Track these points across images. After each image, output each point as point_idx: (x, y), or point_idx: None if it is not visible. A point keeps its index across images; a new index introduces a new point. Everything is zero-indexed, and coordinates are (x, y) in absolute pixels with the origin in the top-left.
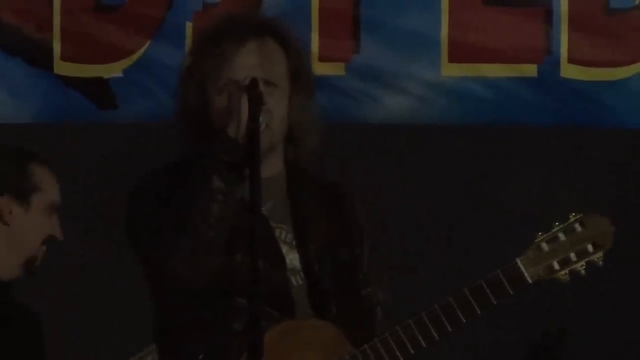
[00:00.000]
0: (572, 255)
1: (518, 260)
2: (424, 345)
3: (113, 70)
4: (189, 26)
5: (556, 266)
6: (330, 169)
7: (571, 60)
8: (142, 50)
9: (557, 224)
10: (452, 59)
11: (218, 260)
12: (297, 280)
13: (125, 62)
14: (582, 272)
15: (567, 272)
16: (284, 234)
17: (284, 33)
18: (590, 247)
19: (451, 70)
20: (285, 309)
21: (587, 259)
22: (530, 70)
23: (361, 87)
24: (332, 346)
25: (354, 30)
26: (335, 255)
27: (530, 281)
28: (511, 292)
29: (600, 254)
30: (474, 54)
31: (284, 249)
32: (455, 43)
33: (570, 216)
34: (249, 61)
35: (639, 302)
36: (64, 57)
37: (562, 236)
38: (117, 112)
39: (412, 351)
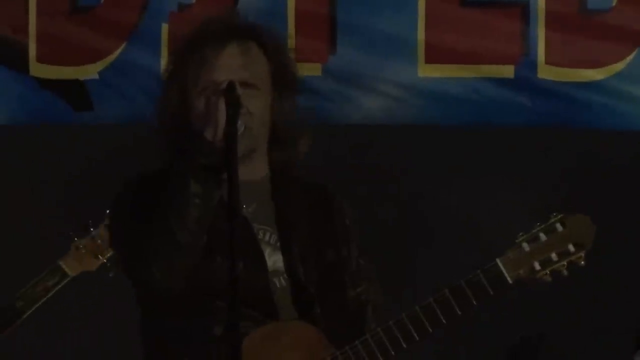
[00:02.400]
0: (554, 256)
1: (498, 261)
2: (404, 346)
3: (89, 72)
4: (164, 27)
5: (537, 266)
6: (306, 170)
7: (548, 61)
8: (118, 51)
9: (538, 224)
10: (428, 60)
11: (195, 263)
12: (280, 282)
13: (101, 64)
14: (564, 272)
15: (549, 272)
16: (267, 236)
17: (264, 35)
18: (571, 247)
19: (428, 71)
20: (267, 311)
21: (568, 259)
22: (507, 71)
23: (338, 88)
24: (314, 348)
25: (330, 31)
26: (321, 256)
27: (510, 281)
28: (491, 293)
29: (581, 253)
30: (451, 55)
31: (268, 250)
32: (432, 44)
33: (552, 216)
34: (229, 63)
35: (619, 306)
36: (39, 59)
37: (543, 236)
38: (93, 113)
39: (392, 352)
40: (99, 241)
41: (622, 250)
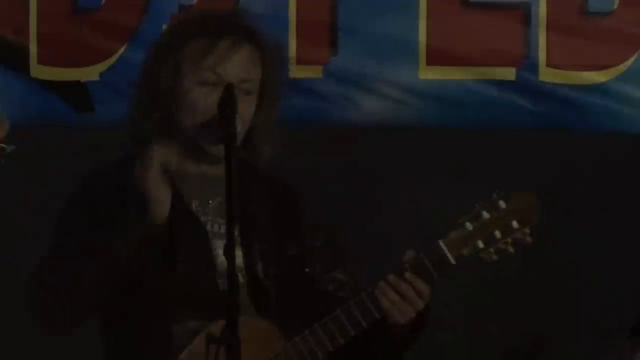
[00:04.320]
0: (497, 233)
1: (440, 242)
2: (352, 333)
3: (90, 74)
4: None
5: (481, 245)
6: (307, 172)
7: (549, 64)
8: (119, 53)
9: (480, 202)
10: (430, 62)
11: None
12: (239, 278)
13: (102, 66)
14: (510, 249)
15: (494, 250)
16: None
17: (264, 41)
18: (515, 224)
19: (429, 74)
20: (217, 308)
21: (512, 236)
22: (508, 73)
23: (339, 90)
24: (267, 341)
25: (331, 33)
26: (282, 251)
27: (453, 262)
28: (434, 274)
29: (526, 229)
30: (452, 57)
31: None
32: (433, 46)
33: (494, 194)
34: (240, 63)
35: (619, 308)
36: (40, 61)
37: (485, 214)
38: (94, 115)
39: (341, 340)
40: None
41: (623, 252)
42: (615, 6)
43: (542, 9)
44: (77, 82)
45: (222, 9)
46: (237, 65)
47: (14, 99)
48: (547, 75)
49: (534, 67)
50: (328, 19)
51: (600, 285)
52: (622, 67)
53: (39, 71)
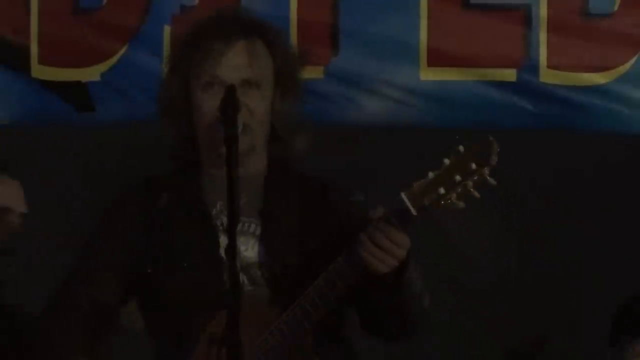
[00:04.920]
0: (457, 177)
1: (402, 194)
2: (332, 299)
3: (91, 74)
4: (166, 30)
5: (442, 191)
6: (309, 171)
7: (550, 65)
8: (120, 53)
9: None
10: (430, 63)
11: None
12: (250, 276)
13: (103, 66)
14: (475, 193)
15: (456, 195)
16: (252, 227)
17: (271, 33)
18: (473, 165)
19: (430, 75)
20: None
21: (473, 178)
22: (509, 75)
23: (340, 90)
24: (265, 318)
25: (332, 34)
26: (304, 248)
27: (414, 213)
28: (398, 227)
29: (485, 169)
30: (453, 59)
31: (251, 241)
32: (434, 47)
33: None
34: (235, 61)
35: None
36: (41, 61)
37: (446, 161)
38: (94, 115)
39: (325, 305)
40: None
41: (623, 252)
42: (616, 7)
43: (542, 10)
44: (78, 82)
45: (223, 9)
46: (233, 63)
47: (14, 99)
48: (548, 76)
49: (534, 69)
50: (329, 19)
51: (600, 285)
52: (623, 69)
53: (39, 71)
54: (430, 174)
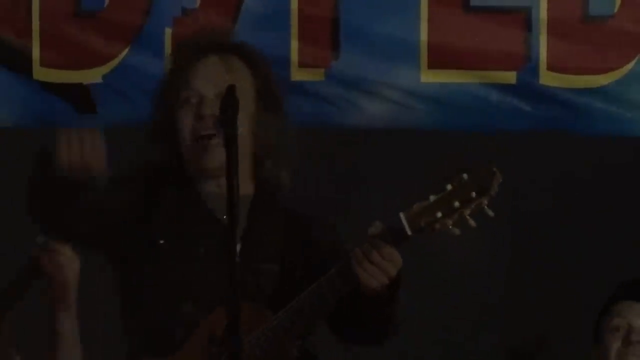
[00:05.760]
0: (456, 204)
1: (401, 214)
2: (323, 310)
3: (92, 76)
4: (168, 32)
5: (439, 215)
6: (309, 174)
7: (550, 67)
8: (122, 55)
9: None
10: (431, 66)
11: None
12: None
13: (105, 68)
14: (471, 222)
15: (452, 221)
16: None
17: (248, 52)
18: (473, 194)
19: (430, 77)
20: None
21: (471, 206)
22: (509, 77)
23: (341, 93)
24: (255, 319)
25: (333, 36)
26: (281, 274)
27: (409, 233)
28: (392, 244)
29: (484, 200)
30: (453, 61)
31: None
32: (435, 49)
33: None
34: (210, 74)
35: None
36: (43, 63)
37: (449, 187)
38: (96, 117)
39: (300, 323)
40: None
41: (623, 254)
42: (616, 10)
43: (543, 13)
44: (80, 85)
45: (199, 32)
46: (208, 76)
47: (16, 101)
48: (548, 78)
49: (534, 71)
50: (330, 22)
51: (601, 288)
52: (623, 71)
53: (41, 73)
54: (432, 197)
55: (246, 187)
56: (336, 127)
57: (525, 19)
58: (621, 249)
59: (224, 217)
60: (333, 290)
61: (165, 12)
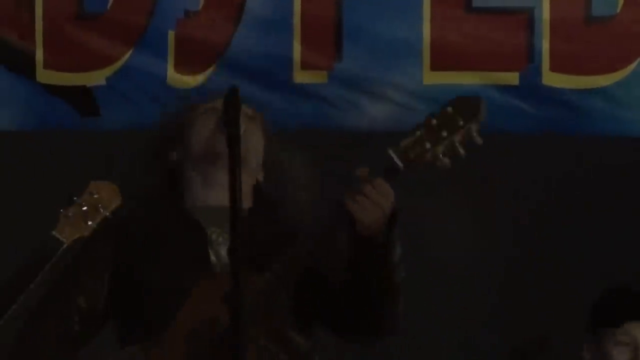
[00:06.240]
0: (444, 133)
1: (390, 150)
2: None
3: (96, 78)
4: (171, 34)
5: (428, 145)
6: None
7: (553, 68)
8: (125, 58)
9: (431, 113)
10: (434, 67)
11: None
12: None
13: (108, 70)
14: (460, 150)
15: (441, 150)
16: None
17: (264, 122)
18: (460, 122)
19: (433, 78)
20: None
21: (459, 134)
22: (512, 78)
23: (343, 94)
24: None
25: (336, 39)
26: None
27: (400, 165)
28: (384, 178)
29: (472, 125)
30: (456, 62)
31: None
32: (437, 51)
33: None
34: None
35: None
36: (46, 65)
37: (434, 120)
38: (99, 119)
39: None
40: (85, 207)
41: (625, 255)
42: (619, 10)
43: (545, 14)
44: (83, 87)
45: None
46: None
47: (20, 103)
48: (551, 79)
49: (537, 72)
50: (333, 23)
51: (602, 287)
52: (626, 71)
53: (45, 76)
54: (418, 132)
55: (245, 202)
56: (338, 129)
57: (527, 20)
58: (622, 249)
59: (211, 228)
60: (327, 233)
61: (168, 14)
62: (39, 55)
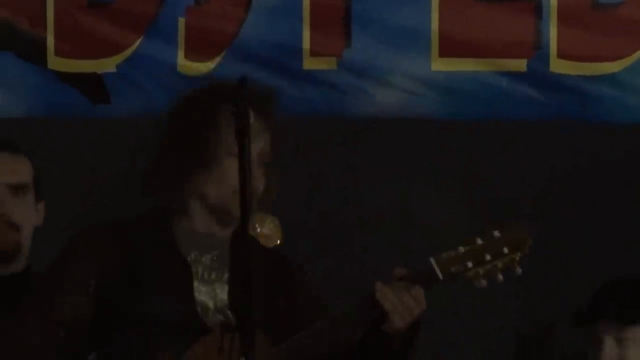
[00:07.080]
0: (487, 256)
1: (431, 259)
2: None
3: (106, 66)
4: (181, 22)
5: (470, 265)
6: (321, 163)
7: (560, 55)
8: (136, 45)
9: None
10: (442, 54)
11: None
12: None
13: (119, 57)
14: (499, 276)
15: (482, 272)
16: (225, 276)
17: (273, 113)
18: (505, 250)
19: (441, 65)
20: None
21: (502, 260)
22: (519, 65)
23: (353, 81)
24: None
25: (345, 25)
26: (271, 303)
27: (441, 277)
28: (423, 287)
29: (515, 256)
30: (464, 49)
31: (226, 287)
32: (446, 38)
33: (490, 224)
34: (262, 138)
35: None
36: (57, 53)
37: (479, 240)
38: (110, 107)
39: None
40: None
41: (635, 242)
42: None
43: (552, 1)
44: (94, 74)
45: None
46: (261, 140)
47: (31, 90)
48: (559, 66)
49: (545, 58)
50: (342, 10)
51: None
52: (633, 57)
53: (56, 63)
54: (461, 248)
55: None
56: (347, 116)
57: (535, 7)
58: (632, 237)
59: (209, 253)
60: (350, 325)
61: (178, 1)
62: (50, 42)
